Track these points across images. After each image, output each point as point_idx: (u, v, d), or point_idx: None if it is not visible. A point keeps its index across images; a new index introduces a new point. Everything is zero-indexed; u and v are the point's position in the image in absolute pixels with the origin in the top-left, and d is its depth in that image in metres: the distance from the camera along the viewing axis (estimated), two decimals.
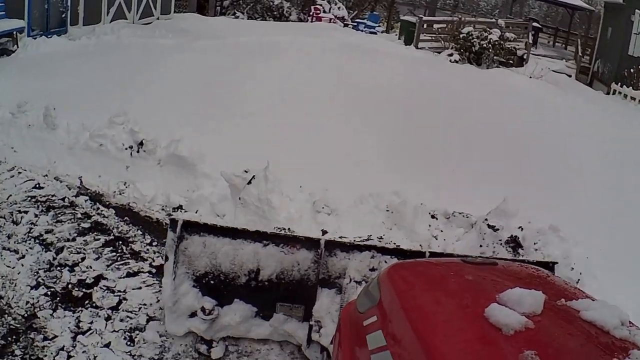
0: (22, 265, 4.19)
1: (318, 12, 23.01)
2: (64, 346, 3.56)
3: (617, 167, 6.41)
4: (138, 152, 5.64)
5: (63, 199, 5.15)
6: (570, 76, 16.13)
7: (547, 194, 5.62)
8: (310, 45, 9.80)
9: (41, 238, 4.53)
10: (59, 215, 4.90)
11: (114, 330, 3.73)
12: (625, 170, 6.34)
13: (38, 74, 7.88)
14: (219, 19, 17.90)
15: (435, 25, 16.95)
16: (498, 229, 4.44)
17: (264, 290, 3.62)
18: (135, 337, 3.70)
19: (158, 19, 14.95)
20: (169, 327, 3.63)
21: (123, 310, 3.89)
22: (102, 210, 5.03)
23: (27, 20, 9.73)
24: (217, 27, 13.48)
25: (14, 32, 9.25)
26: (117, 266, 4.30)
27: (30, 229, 4.64)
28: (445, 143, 6.58)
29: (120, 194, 5.41)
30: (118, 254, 4.46)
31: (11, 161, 5.76)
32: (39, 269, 4.17)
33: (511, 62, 14.32)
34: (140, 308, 3.93)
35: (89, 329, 3.73)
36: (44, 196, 5.18)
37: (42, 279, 4.08)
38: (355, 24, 23.60)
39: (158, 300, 3.92)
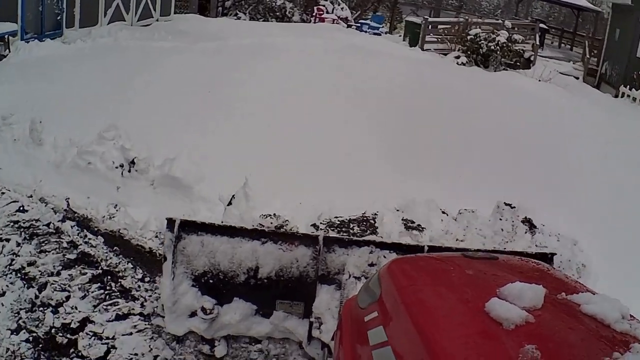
0: (2, 304, 3.80)
1: (321, 12, 22.73)
2: None
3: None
4: (129, 171, 5.23)
5: (48, 225, 4.73)
6: (577, 78, 15.94)
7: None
8: (313, 47, 9.57)
9: (23, 272, 4.14)
10: (43, 243, 4.50)
11: None
12: None
13: (28, 80, 7.56)
14: (220, 20, 17.63)
15: (441, 27, 16.72)
16: (515, 207, 4.68)
17: (264, 288, 3.61)
18: None
19: (157, 20, 14.64)
20: (169, 327, 3.62)
21: None
22: (89, 239, 4.64)
23: (21, 23, 9.44)
24: (218, 29, 13.09)
25: (6, 36, 8.99)
26: (105, 307, 3.90)
27: (12, 260, 4.24)
28: (463, 147, 6.52)
29: (110, 218, 4.97)
30: (106, 292, 4.05)
31: None
32: (21, 309, 3.79)
33: (518, 64, 14.15)
34: (131, 359, 3.54)
35: None
36: (28, 221, 4.78)
37: (24, 321, 3.70)
38: (359, 24, 23.12)
39: (150, 350, 3.61)
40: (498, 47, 13.60)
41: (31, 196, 5.19)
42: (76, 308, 3.86)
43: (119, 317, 3.84)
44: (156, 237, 4.75)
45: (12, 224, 4.74)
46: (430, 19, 17.35)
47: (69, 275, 4.16)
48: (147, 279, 4.26)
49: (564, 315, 2.00)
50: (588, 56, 19.27)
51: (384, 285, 2.39)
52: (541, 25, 21.07)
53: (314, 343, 3.60)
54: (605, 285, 4.00)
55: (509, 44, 13.86)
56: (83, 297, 3.95)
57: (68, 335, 3.65)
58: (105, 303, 3.93)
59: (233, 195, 4.64)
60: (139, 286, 4.17)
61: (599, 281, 4.12)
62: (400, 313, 2.11)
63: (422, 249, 3.56)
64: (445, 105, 7.47)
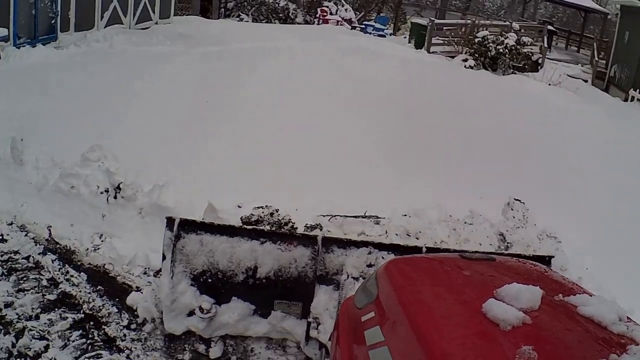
0: None
1: (325, 14, 22.54)
2: None
3: None
4: (115, 197, 4.73)
5: (28, 258, 4.36)
6: (586, 81, 15.77)
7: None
8: (319, 52, 9.26)
9: (0, 314, 3.77)
10: (22, 281, 4.12)
11: None
12: None
13: (12, 92, 6.94)
14: (222, 22, 17.38)
15: (446, 28, 16.45)
16: (524, 202, 4.69)
17: (262, 288, 3.61)
18: None
19: (157, 23, 14.26)
20: (168, 326, 3.63)
21: None
22: (71, 275, 4.26)
23: (13, 27, 8.97)
24: (219, 32, 12.70)
25: None
26: (87, 359, 3.54)
27: None
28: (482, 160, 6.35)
29: (94, 250, 4.52)
30: (89, 341, 3.66)
31: None
32: None
33: (526, 67, 13.96)
34: None
35: None
36: (7, 253, 4.41)
37: None
38: (363, 26, 22.87)
39: None
40: (507, 50, 13.39)
41: (11, 223, 4.80)
42: None
43: None
44: (144, 273, 4.33)
45: None
46: (437, 21, 17.01)
47: (49, 320, 3.79)
48: (133, 326, 3.85)
49: (561, 317, 2.00)
50: (597, 59, 19.08)
51: (381, 285, 2.39)
52: (549, 27, 20.80)
53: (312, 343, 3.60)
54: (606, 286, 4.03)
55: (518, 47, 13.66)
56: (63, 347, 3.59)
57: None
58: (87, 355, 3.56)
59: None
60: (125, 335, 3.77)
61: (597, 282, 4.10)
62: (397, 313, 2.11)
63: (420, 250, 3.56)
64: (464, 115, 7.21)
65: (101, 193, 4.76)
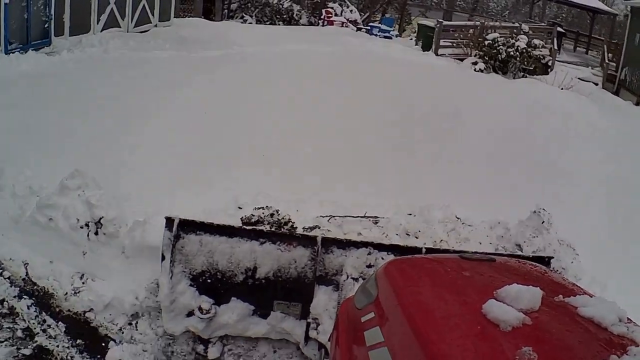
0: None
1: (329, 15, 22.15)
2: None
3: None
4: (96, 233, 4.20)
5: (2, 302, 3.89)
6: (596, 84, 15.52)
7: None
8: (327, 57, 9.05)
9: None
10: None
11: None
12: None
13: None
14: (224, 24, 16.92)
15: (452, 30, 16.28)
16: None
17: (261, 289, 3.61)
18: None
19: (156, 26, 13.85)
20: (167, 326, 3.62)
21: None
22: (49, 325, 3.80)
23: (4, 32, 8.49)
24: (221, 34, 12.17)
25: None
26: None
27: None
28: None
29: (75, 293, 3.99)
30: None
31: None
32: None
33: (536, 69, 13.79)
34: None
35: None
36: None
37: None
38: (369, 28, 22.38)
39: None
40: (518, 53, 13.25)
41: None
42: None
43: None
44: (129, 324, 3.89)
45: None
46: (445, 23, 16.75)
47: None
48: None
49: (561, 318, 2.00)
50: (607, 61, 18.87)
51: (380, 286, 2.39)
52: (558, 28, 20.55)
53: (311, 344, 3.60)
54: (606, 288, 4.02)
55: (529, 50, 13.52)
56: None
57: None
58: None
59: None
60: None
61: (598, 284, 4.10)
62: (397, 314, 2.11)
63: (420, 251, 3.56)
64: (482, 125, 7.12)
65: (81, 227, 4.19)
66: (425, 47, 15.48)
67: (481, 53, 13.47)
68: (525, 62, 13.12)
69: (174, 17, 15.04)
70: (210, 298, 3.60)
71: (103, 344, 3.76)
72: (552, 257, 3.72)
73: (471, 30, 14.98)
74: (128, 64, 8.39)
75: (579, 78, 14.41)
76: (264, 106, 6.85)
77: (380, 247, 3.63)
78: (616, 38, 23.27)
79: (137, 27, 12.82)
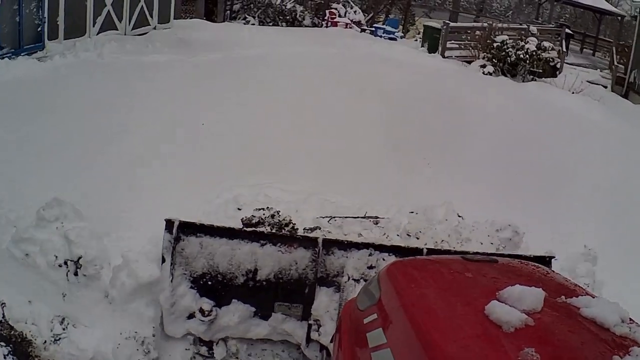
0: None
1: (333, 16, 21.87)
2: None
3: None
4: (76, 274, 3.74)
5: None
6: (605, 87, 15.33)
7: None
8: (332, 60, 8.98)
9: None
10: None
11: None
12: None
13: None
14: (226, 25, 16.68)
15: (457, 31, 16.05)
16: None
17: (262, 290, 3.61)
18: None
19: (155, 28, 13.59)
20: (168, 329, 3.61)
21: None
22: None
23: None
24: (222, 36, 11.88)
25: None
26: None
27: None
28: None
29: (55, 341, 3.47)
30: None
31: None
32: None
33: (544, 72, 13.61)
34: None
35: None
36: None
37: None
38: (373, 29, 22.07)
39: None
40: (527, 56, 13.04)
41: None
42: None
43: None
44: None
45: None
46: (451, 24, 16.45)
47: None
48: None
49: (563, 319, 2.00)
50: (616, 64, 18.69)
51: (383, 287, 2.39)
52: (566, 30, 20.31)
53: (313, 345, 3.59)
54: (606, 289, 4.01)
55: (539, 52, 13.30)
56: None
57: None
58: None
59: None
60: None
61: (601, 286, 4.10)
62: (400, 315, 2.11)
63: (422, 252, 3.56)
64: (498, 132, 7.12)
65: (59, 266, 3.76)
66: (432, 49, 15.18)
67: (489, 55, 13.22)
68: (535, 65, 12.90)
69: (174, 19, 14.67)
70: (211, 300, 3.59)
71: None
72: (554, 257, 3.72)
73: (479, 32, 14.70)
74: (123, 69, 8.03)
75: (588, 81, 14.19)
76: (265, 109, 6.83)
77: (381, 248, 3.62)
78: (623, 40, 23.07)
79: (135, 30, 12.40)
